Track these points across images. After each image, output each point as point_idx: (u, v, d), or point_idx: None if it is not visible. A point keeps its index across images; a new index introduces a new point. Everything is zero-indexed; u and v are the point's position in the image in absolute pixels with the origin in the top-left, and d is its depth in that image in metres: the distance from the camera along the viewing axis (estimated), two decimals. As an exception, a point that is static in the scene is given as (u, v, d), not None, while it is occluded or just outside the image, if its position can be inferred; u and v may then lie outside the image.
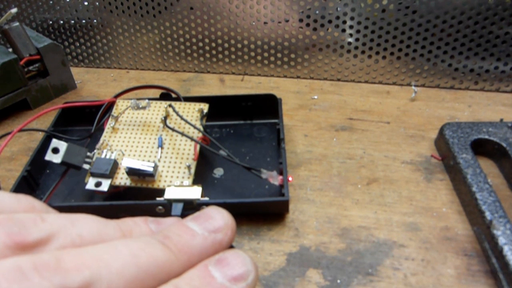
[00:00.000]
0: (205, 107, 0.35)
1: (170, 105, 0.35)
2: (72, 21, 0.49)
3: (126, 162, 0.29)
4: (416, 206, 0.31)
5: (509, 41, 0.39)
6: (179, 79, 0.48)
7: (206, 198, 0.28)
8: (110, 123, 0.34)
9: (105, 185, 0.30)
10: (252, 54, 0.47)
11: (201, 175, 0.33)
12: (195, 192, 0.28)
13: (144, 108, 0.34)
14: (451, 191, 0.32)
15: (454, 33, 0.40)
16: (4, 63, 0.40)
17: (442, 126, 0.35)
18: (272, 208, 0.30)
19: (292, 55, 0.46)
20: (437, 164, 0.34)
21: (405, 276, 0.26)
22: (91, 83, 0.49)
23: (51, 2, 0.48)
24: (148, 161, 0.31)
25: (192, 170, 0.31)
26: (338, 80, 0.46)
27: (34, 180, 0.33)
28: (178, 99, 0.37)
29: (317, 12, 0.42)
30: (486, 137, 0.33)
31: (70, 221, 0.14)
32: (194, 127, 0.33)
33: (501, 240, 0.25)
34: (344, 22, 0.42)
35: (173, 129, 0.33)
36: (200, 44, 0.47)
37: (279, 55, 0.46)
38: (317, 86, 0.45)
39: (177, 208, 0.28)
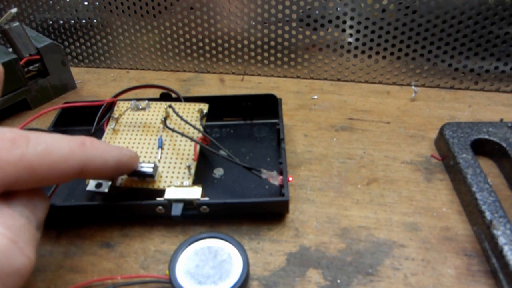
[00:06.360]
0: (205, 107, 0.35)
1: (170, 106, 0.35)
2: (72, 21, 0.49)
3: (126, 162, 0.29)
4: (416, 206, 0.31)
5: (509, 41, 0.39)
6: (179, 79, 0.48)
7: (206, 198, 0.28)
8: (110, 124, 0.34)
9: (105, 187, 0.30)
10: (252, 54, 0.47)
11: (201, 175, 0.33)
12: (195, 192, 0.28)
13: (144, 109, 0.34)
14: (451, 191, 0.32)
15: (454, 33, 0.40)
16: (4, 63, 0.40)
17: (442, 126, 0.35)
18: (272, 208, 0.30)
19: (292, 55, 0.46)
20: (437, 164, 0.34)
21: (405, 276, 0.26)
22: (91, 83, 0.49)
23: (51, 2, 0.48)
24: (148, 161, 0.31)
25: (192, 170, 0.31)
26: (338, 80, 0.46)
27: (34, 180, 0.33)
28: (178, 99, 0.37)
29: (317, 12, 0.42)
30: (486, 137, 0.33)
31: None
32: (194, 127, 0.33)
33: (501, 240, 0.25)
34: (344, 22, 0.42)
35: (173, 130, 0.33)
36: (200, 44, 0.47)
37: (279, 55, 0.46)
38: (317, 86, 0.45)
39: (177, 208, 0.28)
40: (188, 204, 0.29)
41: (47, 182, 0.20)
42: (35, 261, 0.19)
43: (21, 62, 0.41)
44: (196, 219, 0.30)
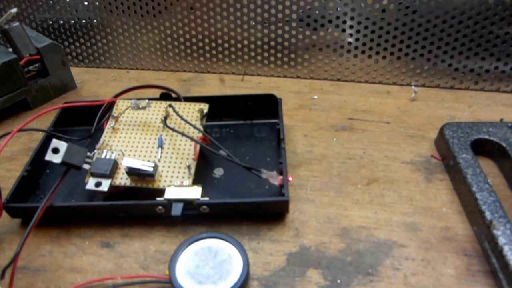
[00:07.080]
0: (205, 107, 0.35)
1: (170, 105, 0.35)
2: (72, 21, 0.49)
3: (126, 162, 0.29)
4: (416, 206, 0.31)
5: (509, 41, 0.39)
6: (179, 79, 0.48)
7: (206, 198, 0.28)
8: (110, 123, 0.34)
9: (105, 185, 0.30)
10: (252, 54, 0.47)
11: (201, 175, 0.33)
12: (195, 192, 0.28)
13: (144, 108, 0.34)
14: (451, 191, 0.32)
15: (454, 33, 0.40)
16: (4, 63, 0.40)
17: (442, 126, 0.35)
18: (272, 208, 0.30)
19: (292, 55, 0.46)
20: (437, 164, 0.34)
21: (405, 276, 0.26)
22: (91, 83, 0.49)
23: (51, 2, 0.48)
24: (148, 161, 0.31)
25: (192, 170, 0.31)
26: (338, 80, 0.46)
27: (34, 180, 0.33)
28: (178, 99, 0.37)
29: (317, 12, 0.42)
30: (486, 137, 0.33)
31: None
32: (194, 127, 0.33)
33: (501, 240, 0.25)
34: (344, 22, 0.42)
35: (173, 129, 0.33)
36: (200, 44, 0.47)
37: (279, 55, 0.46)
38: (317, 86, 0.45)
39: (177, 208, 0.28)
40: (188, 204, 0.29)
41: None
42: None
43: (21, 62, 0.41)
44: (196, 219, 0.30)
